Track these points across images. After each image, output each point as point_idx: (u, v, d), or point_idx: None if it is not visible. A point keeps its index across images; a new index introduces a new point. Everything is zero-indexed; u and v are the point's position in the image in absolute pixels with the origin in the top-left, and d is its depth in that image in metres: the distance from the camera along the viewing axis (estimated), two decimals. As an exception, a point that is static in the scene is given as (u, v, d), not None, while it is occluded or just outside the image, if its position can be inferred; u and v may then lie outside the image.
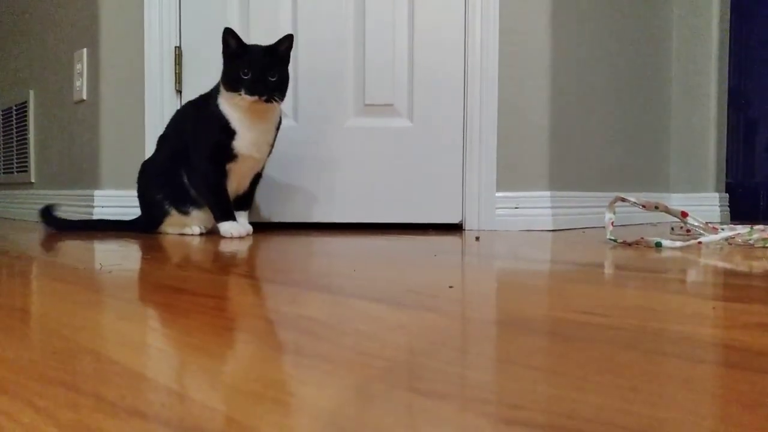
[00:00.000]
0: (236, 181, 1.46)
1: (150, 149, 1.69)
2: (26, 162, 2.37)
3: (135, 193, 1.54)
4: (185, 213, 1.47)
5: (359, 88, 1.73)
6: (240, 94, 1.34)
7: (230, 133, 1.39)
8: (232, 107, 1.38)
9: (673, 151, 2.40)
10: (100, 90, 1.74)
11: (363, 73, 1.73)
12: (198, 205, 1.47)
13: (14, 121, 2.51)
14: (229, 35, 1.35)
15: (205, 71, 1.73)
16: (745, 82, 2.75)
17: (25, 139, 2.37)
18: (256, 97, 1.34)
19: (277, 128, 1.48)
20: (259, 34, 1.72)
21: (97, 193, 1.73)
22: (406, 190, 1.73)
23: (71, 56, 1.93)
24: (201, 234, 1.48)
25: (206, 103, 1.43)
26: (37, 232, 1.58)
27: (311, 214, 1.74)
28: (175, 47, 1.73)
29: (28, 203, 2.32)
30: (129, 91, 1.73)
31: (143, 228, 1.51)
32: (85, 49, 1.83)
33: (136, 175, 1.54)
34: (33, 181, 2.33)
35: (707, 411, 0.30)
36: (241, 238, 1.39)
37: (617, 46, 2.04)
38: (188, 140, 1.45)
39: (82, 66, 1.84)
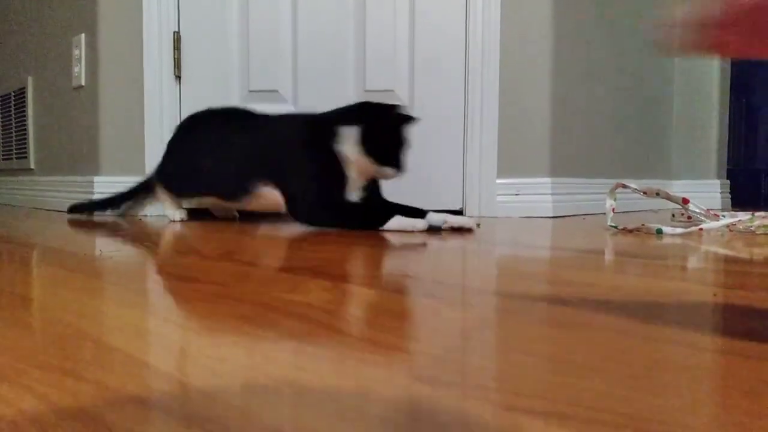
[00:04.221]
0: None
1: (149, 134, 1.69)
2: (25, 148, 2.36)
3: (135, 178, 1.53)
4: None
5: (360, 73, 1.72)
6: (389, 168, 1.29)
7: (346, 180, 1.31)
8: (355, 162, 1.30)
9: (675, 137, 2.39)
10: (99, 76, 1.73)
11: (363, 58, 1.71)
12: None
13: (13, 108, 2.50)
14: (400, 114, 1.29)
15: (204, 57, 1.72)
16: (748, 68, 2.73)
17: (24, 125, 2.36)
18: (401, 174, 1.31)
19: None
20: (258, 16, 1.71)
21: (96, 179, 1.73)
22: (407, 176, 1.72)
23: (69, 41, 1.92)
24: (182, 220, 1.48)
25: (321, 148, 1.32)
26: (36, 219, 1.58)
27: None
28: (174, 32, 1.72)
29: (27, 190, 2.32)
30: (128, 76, 1.72)
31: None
32: (83, 34, 1.82)
33: (135, 160, 1.53)
34: (32, 167, 2.32)
35: (708, 398, 0.30)
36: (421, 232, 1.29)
37: (619, 32, 2.03)
38: (292, 177, 1.34)
39: (80, 51, 1.83)
